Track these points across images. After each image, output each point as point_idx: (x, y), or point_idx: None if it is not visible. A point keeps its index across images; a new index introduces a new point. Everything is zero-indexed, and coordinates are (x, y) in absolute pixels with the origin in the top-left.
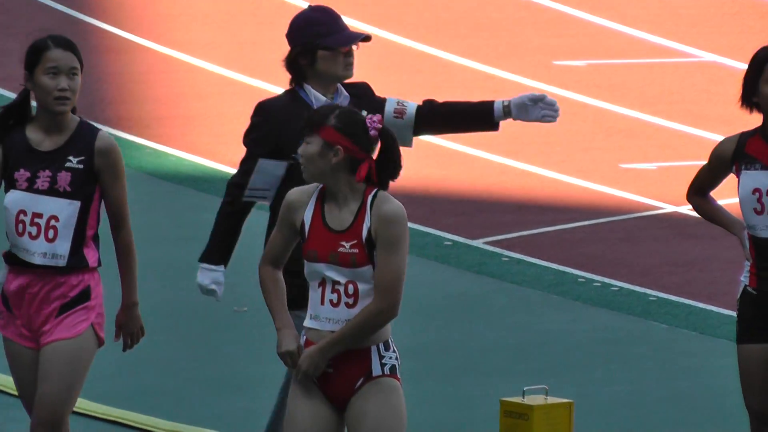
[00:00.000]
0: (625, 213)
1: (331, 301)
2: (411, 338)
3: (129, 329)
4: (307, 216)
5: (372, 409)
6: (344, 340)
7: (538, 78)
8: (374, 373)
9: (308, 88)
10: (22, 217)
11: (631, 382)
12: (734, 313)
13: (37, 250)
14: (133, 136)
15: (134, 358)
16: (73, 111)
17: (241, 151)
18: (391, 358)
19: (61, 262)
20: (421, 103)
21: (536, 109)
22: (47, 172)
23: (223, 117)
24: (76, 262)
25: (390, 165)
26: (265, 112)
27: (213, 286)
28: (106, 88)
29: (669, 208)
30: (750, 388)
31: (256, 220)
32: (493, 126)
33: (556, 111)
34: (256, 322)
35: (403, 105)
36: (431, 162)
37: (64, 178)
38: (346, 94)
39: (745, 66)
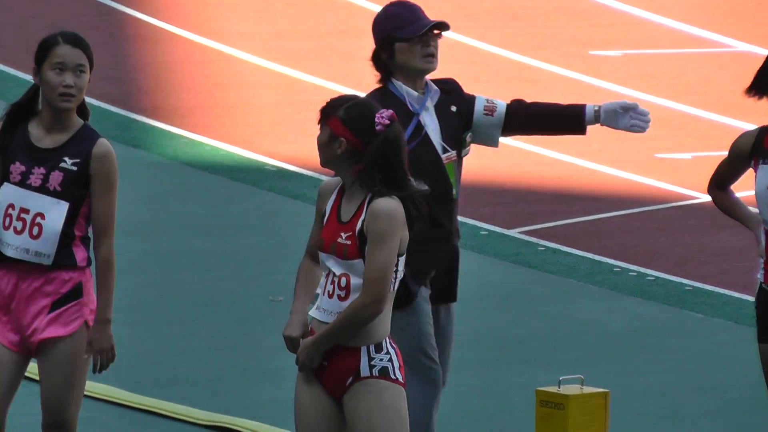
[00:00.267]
0: (660, 203)
1: (328, 292)
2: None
3: (99, 345)
4: (329, 206)
5: (364, 409)
6: (334, 333)
7: (573, 68)
8: (362, 374)
9: (397, 83)
10: (10, 210)
11: (666, 372)
12: None
13: (19, 245)
14: (168, 125)
15: (170, 347)
16: (84, 114)
17: (278, 141)
18: (382, 360)
19: (46, 261)
20: (509, 103)
21: (626, 117)
22: (41, 170)
23: (259, 107)
24: (63, 259)
25: (390, 172)
26: None
27: None
28: (142, 77)
29: (704, 198)
30: None
31: (291, 212)
32: (581, 130)
33: (647, 121)
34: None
35: (493, 103)
36: None
37: (56, 178)
38: (437, 89)
39: None
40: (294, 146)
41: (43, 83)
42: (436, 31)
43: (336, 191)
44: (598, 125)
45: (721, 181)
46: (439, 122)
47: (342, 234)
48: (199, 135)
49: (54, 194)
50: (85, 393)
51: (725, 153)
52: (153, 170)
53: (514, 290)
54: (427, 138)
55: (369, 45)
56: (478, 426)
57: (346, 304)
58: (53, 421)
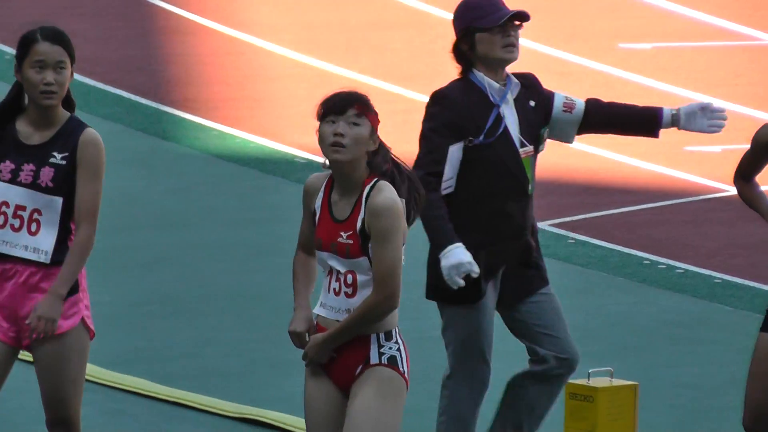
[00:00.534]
0: (690, 195)
1: (333, 289)
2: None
3: (42, 311)
4: (318, 204)
5: (362, 394)
6: (347, 331)
7: (602, 61)
8: (371, 361)
9: (479, 73)
10: (4, 208)
11: (695, 365)
12: None
13: (19, 242)
14: (199, 117)
15: (200, 339)
16: (71, 106)
17: (307, 134)
18: (391, 348)
19: (44, 258)
20: (587, 101)
21: (703, 118)
22: (31, 166)
23: (290, 99)
24: (61, 255)
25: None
26: (444, 99)
27: (469, 258)
28: (173, 69)
29: (734, 191)
30: (755, 378)
31: None
32: (654, 134)
33: (724, 118)
34: None
35: (572, 101)
36: None
37: (46, 174)
38: (517, 82)
39: None
40: None
41: (25, 81)
42: (517, 22)
43: (323, 188)
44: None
45: (745, 172)
46: (518, 116)
47: (342, 233)
48: (229, 127)
49: (46, 190)
50: (116, 385)
51: None
52: (183, 162)
53: None
54: (506, 131)
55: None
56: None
57: (354, 300)
58: (57, 417)
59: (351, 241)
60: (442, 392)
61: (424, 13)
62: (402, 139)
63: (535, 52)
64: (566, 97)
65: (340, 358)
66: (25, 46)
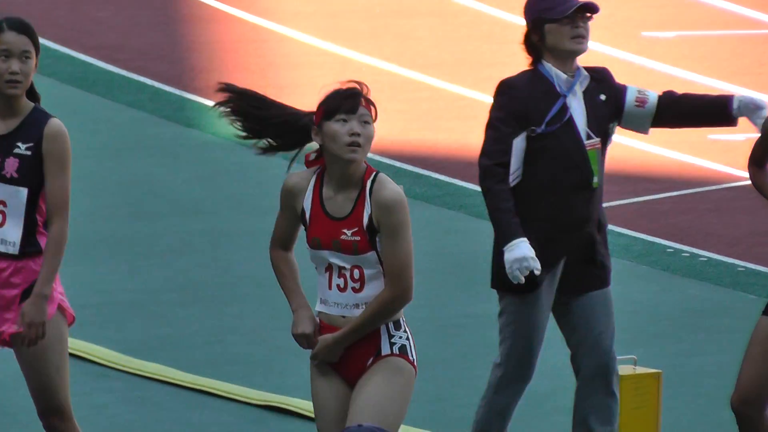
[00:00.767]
0: (713, 184)
1: (338, 286)
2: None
3: (31, 317)
4: (307, 203)
5: (371, 383)
6: (360, 329)
7: (626, 49)
8: (383, 352)
9: (548, 65)
10: None
11: (719, 353)
12: None
13: None
14: None
15: (224, 327)
16: (35, 97)
17: None
18: (401, 337)
19: (12, 250)
20: (661, 94)
21: (753, 112)
22: None
23: (314, 87)
24: (30, 246)
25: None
26: (511, 89)
27: (531, 253)
28: (197, 57)
29: None
30: (748, 360)
31: None
32: (730, 122)
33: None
34: None
35: (645, 95)
36: None
37: (11, 165)
38: (587, 74)
39: None
40: None
41: None
42: (588, 14)
43: (311, 187)
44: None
45: (757, 159)
46: (586, 108)
47: (345, 230)
48: None
49: (12, 181)
50: (139, 372)
51: None
52: (207, 150)
53: None
54: (570, 122)
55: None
56: (532, 406)
57: (362, 295)
58: (49, 406)
59: (358, 238)
60: (489, 376)
61: (449, 1)
62: (426, 127)
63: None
64: (639, 92)
65: (350, 352)
66: None
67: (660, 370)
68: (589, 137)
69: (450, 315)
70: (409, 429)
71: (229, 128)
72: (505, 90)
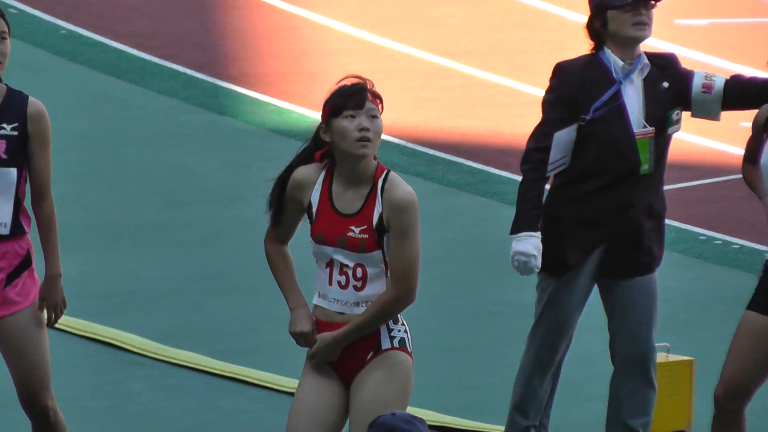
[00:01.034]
0: None
1: (339, 282)
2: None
3: (52, 301)
4: (315, 197)
5: (373, 379)
6: (361, 329)
7: (659, 36)
8: (383, 347)
9: (608, 51)
10: None
11: None
12: None
13: None
14: (256, 92)
15: (256, 315)
16: None
17: None
18: (399, 331)
19: (4, 231)
20: (728, 78)
21: None
22: None
23: (346, 74)
24: (17, 228)
25: None
26: (564, 73)
27: (534, 252)
28: (230, 44)
29: None
30: (733, 353)
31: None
32: None
33: None
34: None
35: (712, 80)
36: None
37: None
38: (647, 62)
39: None
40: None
41: None
42: (651, 2)
43: (320, 181)
44: None
45: (749, 154)
46: (644, 96)
47: (353, 228)
48: (286, 102)
49: (1, 163)
50: (172, 360)
51: None
52: (239, 137)
53: None
54: (619, 108)
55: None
56: (566, 393)
57: (363, 293)
58: (34, 392)
59: (366, 236)
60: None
61: None
62: (459, 114)
63: None
64: (706, 77)
65: (349, 348)
66: None
67: (692, 358)
68: (641, 126)
69: (483, 303)
70: (442, 417)
71: (262, 116)
72: (557, 73)
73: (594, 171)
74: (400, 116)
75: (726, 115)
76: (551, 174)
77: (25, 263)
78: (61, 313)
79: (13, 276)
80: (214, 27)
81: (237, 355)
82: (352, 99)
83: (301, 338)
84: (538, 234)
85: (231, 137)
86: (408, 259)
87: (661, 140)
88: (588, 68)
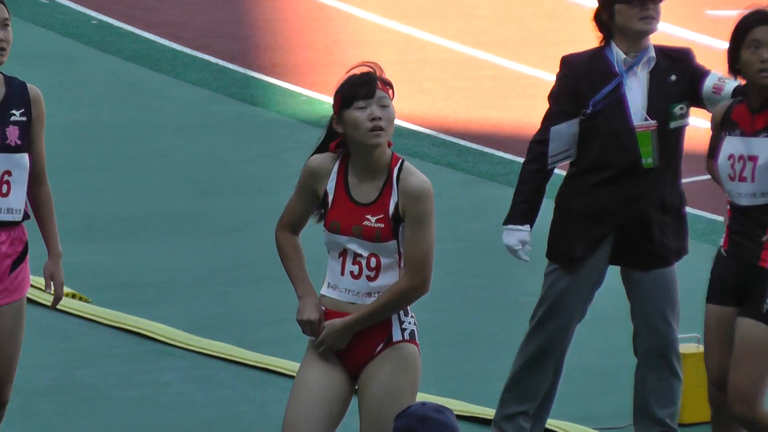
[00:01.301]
0: None
1: (351, 272)
2: None
3: (60, 279)
4: (330, 186)
5: (384, 372)
6: (373, 317)
7: (689, 27)
8: (394, 338)
9: (613, 45)
10: None
11: None
12: None
13: None
14: (287, 83)
15: (288, 305)
16: None
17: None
18: (409, 323)
19: (18, 217)
20: (740, 85)
21: None
22: None
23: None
24: (25, 215)
25: None
26: (567, 66)
27: (518, 246)
28: (261, 34)
29: None
30: (708, 349)
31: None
32: None
33: None
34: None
35: (724, 82)
36: None
37: (13, 133)
38: (653, 55)
39: None
40: (412, 104)
41: None
42: None
43: (336, 170)
44: None
45: (711, 150)
46: (649, 89)
47: (369, 217)
48: (318, 93)
49: (16, 149)
50: (203, 351)
51: None
52: (271, 128)
53: None
54: (619, 101)
55: (488, 3)
56: (596, 384)
57: (375, 284)
58: (3, 381)
59: (382, 225)
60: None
61: None
62: (490, 105)
63: None
64: (719, 79)
65: (358, 338)
66: None
67: None
68: (642, 119)
69: (513, 293)
70: (471, 407)
71: (293, 106)
72: (563, 66)
73: (598, 164)
74: (432, 107)
75: None
76: (554, 166)
77: (26, 250)
78: (61, 297)
79: (17, 263)
80: (245, 17)
81: (267, 345)
82: (362, 89)
83: (308, 326)
84: (526, 227)
85: (262, 128)
86: (423, 248)
87: (667, 134)
88: (591, 61)
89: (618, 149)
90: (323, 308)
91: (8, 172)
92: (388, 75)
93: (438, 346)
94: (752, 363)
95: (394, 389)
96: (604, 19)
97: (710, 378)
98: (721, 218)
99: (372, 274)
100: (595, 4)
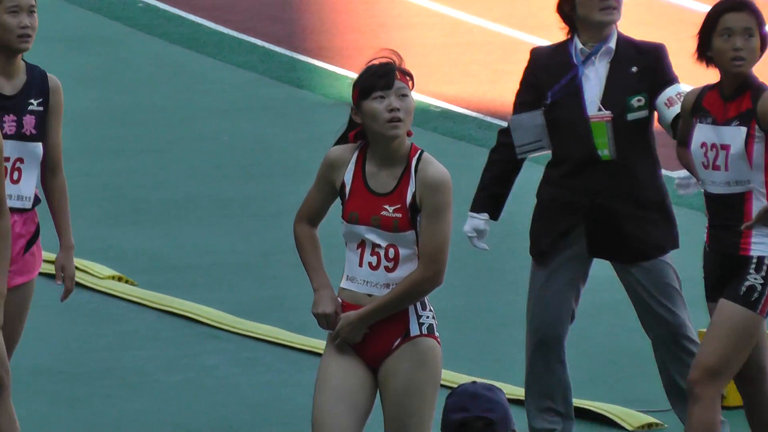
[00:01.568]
0: None
1: (370, 263)
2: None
3: (71, 271)
4: (348, 176)
5: (405, 368)
6: (387, 308)
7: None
8: (412, 333)
9: (575, 37)
10: None
11: None
12: None
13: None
14: (333, 66)
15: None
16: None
17: (442, 83)
18: (428, 317)
19: (27, 204)
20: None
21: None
22: (12, 117)
23: (424, 48)
24: (35, 201)
25: None
26: (531, 58)
27: (472, 233)
28: (308, 17)
29: None
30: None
31: (456, 153)
32: None
33: None
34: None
35: (680, 99)
36: None
37: (29, 122)
38: (611, 46)
39: None
40: (459, 87)
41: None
42: None
43: (354, 160)
44: None
45: (681, 138)
46: (607, 80)
47: (387, 207)
48: None
49: (31, 138)
50: (249, 333)
51: None
52: (317, 111)
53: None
54: (575, 92)
55: None
56: (643, 365)
57: (393, 275)
58: (4, 358)
59: (399, 215)
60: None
61: None
62: None
63: (669, 4)
64: (678, 94)
65: (375, 331)
66: None
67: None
68: (598, 109)
69: None
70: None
71: (339, 89)
72: (528, 59)
73: (560, 156)
74: (478, 90)
75: None
76: (524, 157)
77: (38, 232)
78: (73, 285)
79: (31, 243)
80: (292, 0)
81: (314, 328)
82: (381, 80)
83: (323, 319)
84: (483, 215)
85: (308, 111)
86: (438, 239)
87: (626, 125)
88: (553, 54)
89: (574, 140)
90: (340, 300)
91: (21, 160)
92: (433, 58)
93: (487, 328)
94: (722, 340)
95: (415, 385)
96: (566, 10)
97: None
98: None
99: (390, 265)
100: None
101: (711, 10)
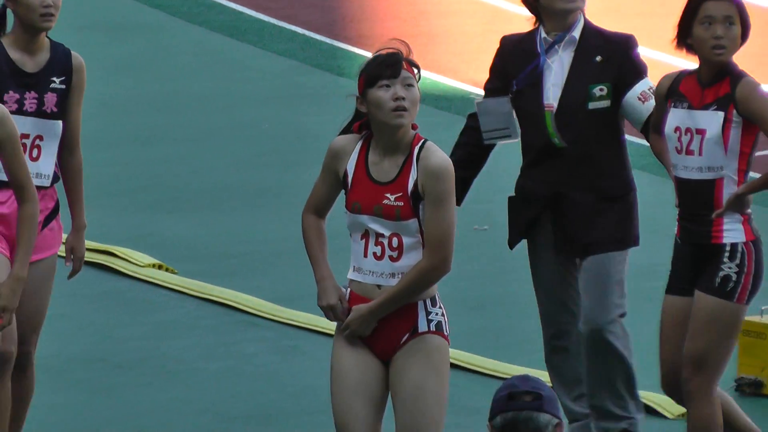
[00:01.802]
0: None
1: (374, 253)
2: (650, 258)
3: (80, 252)
4: (351, 166)
5: (414, 366)
6: (396, 299)
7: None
8: (420, 329)
9: (540, 26)
10: None
11: None
12: None
13: None
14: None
15: None
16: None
17: (482, 70)
18: (437, 314)
19: (45, 182)
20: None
21: None
22: (33, 94)
23: (465, 35)
24: (54, 178)
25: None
26: (500, 45)
27: None
28: (348, 5)
29: None
30: (662, 344)
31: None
32: None
33: None
34: (496, 240)
35: (651, 95)
36: None
37: (50, 100)
38: (573, 35)
39: None
40: None
41: (21, 6)
42: None
43: (357, 150)
44: None
45: (655, 123)
46: (570, 69)
47: (389, 195)
48: None
49: (51, 116)
50: (289, 321)
51: None
52: None
53: None
54: (537, 81)
55: None
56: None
57: (398, 264)
58: (27, 333)
59: (401, 203)
60: None
61: None
62: None
63: None
64: (650, 88)
65: (384, 326)
66: None
67: None
68: (553, 99)
69: None
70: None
71: None
72: (498, 46)
73: (524, 144)
74: None
75: None
76: (491, 143)
77: (57, 208)
78: (81, 265)
79: (50, 218)
80: None
81: None
82: (388, 69)
83: (330, 311)
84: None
85: (348, 99)
86: (443, 226)
87: (588, 115)
88: (520, 42)
89: (535, 129)
90: (347, 289)
91: (40, 137)
92: (474, 46)
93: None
94: (703, 335)
95: (423, 382)
96: (530, 0)
97: (661, 374)
98: None
99: (395, 254)
100: None
101: None
